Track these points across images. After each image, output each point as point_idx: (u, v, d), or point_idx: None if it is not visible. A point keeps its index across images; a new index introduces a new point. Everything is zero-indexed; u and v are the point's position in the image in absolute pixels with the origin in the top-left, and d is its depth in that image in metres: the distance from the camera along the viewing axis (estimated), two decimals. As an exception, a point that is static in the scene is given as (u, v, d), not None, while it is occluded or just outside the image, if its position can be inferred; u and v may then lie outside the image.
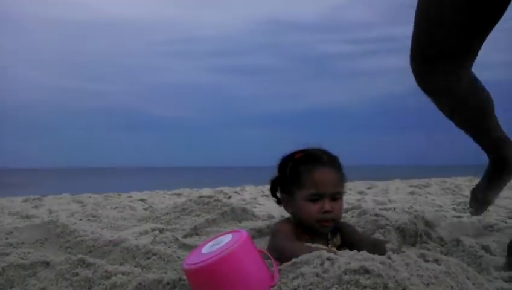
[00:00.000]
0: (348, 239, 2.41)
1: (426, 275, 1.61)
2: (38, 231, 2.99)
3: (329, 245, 2.34)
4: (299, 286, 1.61)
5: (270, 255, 1.84)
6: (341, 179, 2.28)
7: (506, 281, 2.12)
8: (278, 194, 2.40)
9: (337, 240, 2.40)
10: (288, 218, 2.39)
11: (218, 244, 1.72)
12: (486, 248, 2.68)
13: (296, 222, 2.31)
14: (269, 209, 5.07)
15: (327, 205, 2.20)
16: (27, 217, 4.93)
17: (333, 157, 2.32)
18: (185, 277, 1.82)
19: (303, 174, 2.24)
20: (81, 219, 4.48)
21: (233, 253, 1.63)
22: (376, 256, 1.71)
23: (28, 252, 2.35)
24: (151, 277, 1.88)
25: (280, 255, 2.07)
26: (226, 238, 1.74)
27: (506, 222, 3.67)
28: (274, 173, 2.41)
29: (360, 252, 1.76)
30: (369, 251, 2.26)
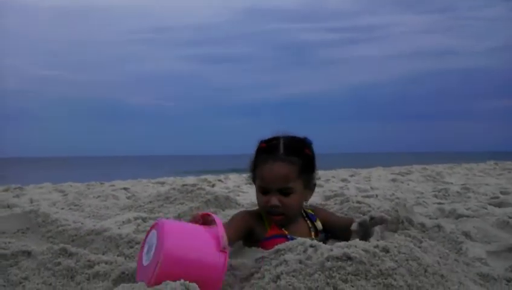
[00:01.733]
0: (326, 224, 2.46)
1: (414, 265, 1.62)
2: (19, 220, 2.96)
3: (311, 231, 2.37)
4: (282, 273, 1.63)
5: (211, 214, 1.87)
6: (295, 175, 2.29)
7: (486, 265, 2.15)
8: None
9: (318, 225, 2.44)
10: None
11: (151, 248, 1.70)
12: (466, 234, 2.72)
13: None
14: (252, 197, 5.07)
15: (273, 199, 2.27)
16: (8, 206, 4.87)
17: (296, 150, 2.32)
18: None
19: (257, 166, 2.35)
20: (63, 208, 4.44)
21: (166, 257, 1.60)
22: (360, 243, 1.72)
23: (9, 242, 2.32)
24: (134, 265, 1.88)
25: None
26: (154, 238, 1.72)
27: (486, 208, 3.72)
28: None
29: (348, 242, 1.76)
30: (342, 232, 2.33)
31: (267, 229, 2.31)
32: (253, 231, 2.31)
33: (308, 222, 2.42)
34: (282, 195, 2.27)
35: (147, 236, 1.81)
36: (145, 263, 1.71)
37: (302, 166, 2.30)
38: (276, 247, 1.82)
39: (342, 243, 1.73)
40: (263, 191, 2.30)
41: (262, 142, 2.39)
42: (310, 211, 2.49)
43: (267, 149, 2.33)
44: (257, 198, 2.35)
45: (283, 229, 2.31)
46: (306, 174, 2.33)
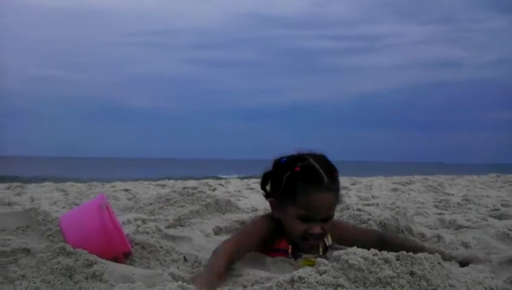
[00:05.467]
0: (342, 239, 2.41)
1: (417, 274, 1.62)
2: (19, 218, 2.95)
3: (319, 247, 2.33)
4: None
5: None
6: (337, 202, 2.26)
7: (485, 277, 2.14)
8: (268, 188, 2.39)
9: (328, 240, 2.39)
10: (273, 217, 2.35)
11: None
12: (466, 244, 2.71)
13: (281, 225, 2.29)
14: (253, 202, 5.07)
15: (317, 228, 2.20)
16: (9, 204, 4.88)
17: (334, 175, 2.25)
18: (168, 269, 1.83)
19: (299, 193, 2.18)
20: (63, 207, 4.45)
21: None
22: (359, 250, 1.72)
23: (9, 239, 2.33)
24: (133, 266, 1.88)
25: (215, 250, 2.10)
26: None
27: (486, 220, 3.71)
28: (268, 167, 2.37)
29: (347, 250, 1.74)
30: (361, 245, 2.27)
31: (275, 240, 2.30)
32: (266, 241, 2.29)
33: None
34: (323, 222, 2.22)
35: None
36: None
37: (339, 193, 2.27)
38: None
39: (342, 251, 1.73)
40: (304, 219, 2.20)
41: (297, 163, 2.23)
42: None
43: (310, 176, 2.19)
44: (292, 224, 2.22)
45: (290, 245, 2.27)
46: (339, 201, 2.31)
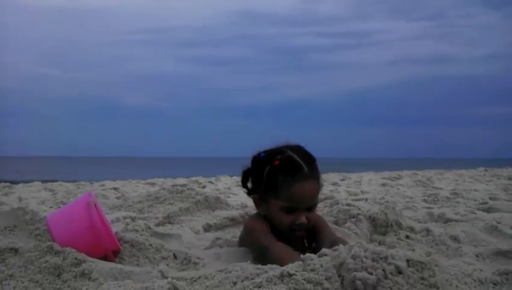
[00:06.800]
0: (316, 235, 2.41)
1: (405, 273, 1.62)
2: (7, 218, 2.93)
3: (305, 240, 2.35)
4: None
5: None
6: (319, 190, 2.28)
7: (474, 269, 2.16)
8: (249, 185, 2.40)
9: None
10: (259, 214, 2.38)
11: None
12: (454, 238, 2.73)
13: (269, 221, 2.30)
14: (243, 199, 5.07)
15: (302, 218, 2.21)
16: (-4, 204, 4.84)
17: (313, 164, 2.27)
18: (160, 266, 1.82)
19: (280, 186, 2.20)
20: (51, 207, 4.42)
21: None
22: (348, 247, 1.72)
23: (-4, 239, 2.31)
24: (123, 264, 1.87)
25: (264, 254, 2.08)
26: None
27: (475, 213, 3.74)
28: (247, 163, 2.40)
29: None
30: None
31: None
32: None
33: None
34: (307, 211, 2.23)
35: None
36: None
37: (320, 181, 2.29)
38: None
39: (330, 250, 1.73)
40: (289, 210, 2.21)
41: (275, 157, 2.25)
42: None
43: (290, 168, 2.21)
44: (278, 217, 2.24)
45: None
46: (320, 189, 2.32)
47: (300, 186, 2.19)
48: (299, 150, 2.30)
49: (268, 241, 2.17)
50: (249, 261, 1.89)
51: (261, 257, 2.10)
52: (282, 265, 1.73)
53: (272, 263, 1.80)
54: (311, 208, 2.25)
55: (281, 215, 2.23)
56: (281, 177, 2.20)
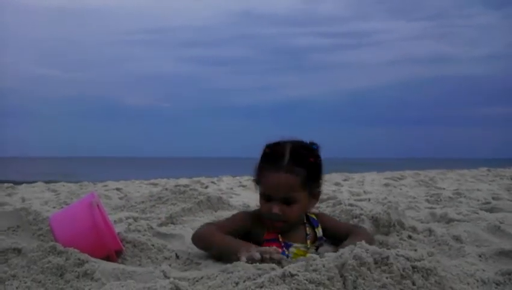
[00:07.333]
0: (326, 230, 2.45)
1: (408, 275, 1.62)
2: (10, 218, 2.94)
3: (307, 239, 2.36)
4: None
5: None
6: (299, 185, 2.28)
7: (477, 269, 2.16)
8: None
9: (319, 231, 2.43)
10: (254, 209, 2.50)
11: None
12: (457, 238, 2.73)
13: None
14: (245, 199, 5.07)
15: (275, 208, 2.28)
16: (-1, 204, 4.84)
17: (302, 160, 2.30)
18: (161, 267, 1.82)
19: (262, 173, 2.34)
20: (54, 207, 4.42)
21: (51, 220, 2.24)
22: (350, 248, 1.72)
23: (0, 239, 2.31)
24: (125, 264, 1.87)
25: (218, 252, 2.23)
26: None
27: (477, 213, 3.73)
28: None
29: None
30: (340, 238, 2.33)
31: (264, 232, 2.34)
32: (250, 233, 2.35)
33: (308, 228, 2.42)
34: (284, 204, 2.27)
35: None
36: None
37: (306, 176, 2.29)
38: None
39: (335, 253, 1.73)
40: (266, 198, 2.30)
41: (267, 146, 2.37)
42: (313, 216, 2.49)
43: (272, 156, 2.31)
44: (260, 203, 2.35)
45: (279, 235, 2.32)
46: (311, 183, 2.33)
47: (274, 176, 2.27)
48: (298, 145, 2.35)
49: (216, 230, 2.30)
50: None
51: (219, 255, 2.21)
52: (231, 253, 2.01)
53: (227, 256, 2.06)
54: (288, 201, 2.28)
55: (262, 202, 2.34)
56: (262, 165, 2.35)
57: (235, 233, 2.29)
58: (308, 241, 2.37)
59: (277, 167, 2.26)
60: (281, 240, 2.31)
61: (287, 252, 2.27)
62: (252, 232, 2.35)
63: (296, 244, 2.32)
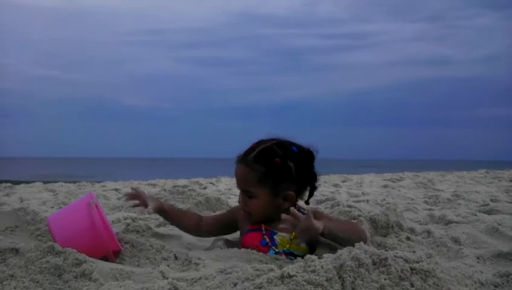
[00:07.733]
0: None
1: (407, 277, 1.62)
2: (8, 218, 2.93)
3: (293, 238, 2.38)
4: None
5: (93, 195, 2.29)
6: (255, 181, 2.36)
7: (475, 270, 2.16)
8: None
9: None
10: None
11: None
12: (455, 239, 2.73)
13: None
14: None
15: (239, 197, 2.48)
16: (-3, 204, 4.84)
17: (264, 157, 2.36)
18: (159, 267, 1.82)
19: None
20: (52, 207, 4.42)
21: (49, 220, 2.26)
22: (349, 249, 1.72)
23: (-2, 239, 2.31)
24: (123, 264, 1.87)
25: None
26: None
27: (476, 215, 3.73)
28: None
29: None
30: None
31: (249, 222, 2.46)
32: (237, 224, 2.54)
33: None
34: (246, 197, 2.41)
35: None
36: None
37: (264, 174, 2.33)
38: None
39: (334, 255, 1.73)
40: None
41: (254, 143, 2.47)
42: (305, 211, 2.49)
43: (246, 150, 2.44)
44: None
45: (263, 224, 2.42)
46: (273, 182, 2.34)
47: (236, 167, 2.44)
48: (279, 144, 2.41)
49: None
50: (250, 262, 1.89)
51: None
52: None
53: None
54: (248, 195, 2.39)
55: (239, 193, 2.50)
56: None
57: (223, 221, 2.59)
58: (293, 233, 2.36)
59: (241, 160, 2.41)
60: (263, 228, 2.40)
61: (267, 240, 2.36)
62: (239, 224, 2.52)
63: (280, 233, 2.37)
